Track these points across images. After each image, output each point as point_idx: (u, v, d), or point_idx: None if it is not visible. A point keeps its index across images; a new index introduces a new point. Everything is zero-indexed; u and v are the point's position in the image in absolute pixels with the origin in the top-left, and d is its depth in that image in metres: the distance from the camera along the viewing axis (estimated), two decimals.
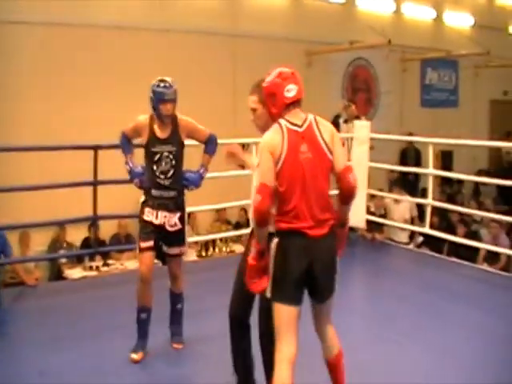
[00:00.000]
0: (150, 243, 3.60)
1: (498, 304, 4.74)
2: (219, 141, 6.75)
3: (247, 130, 7.24)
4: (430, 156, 6.19)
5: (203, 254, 7.38)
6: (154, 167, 3.59)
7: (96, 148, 5.19)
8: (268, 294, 2.64)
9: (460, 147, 10.93)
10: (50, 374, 3.42)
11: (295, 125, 2.63)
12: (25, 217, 5.87)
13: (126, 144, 3.77)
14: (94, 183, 5.25)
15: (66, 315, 4.41)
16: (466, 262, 6.12)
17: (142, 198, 3.68)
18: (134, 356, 3.57)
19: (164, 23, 8.22)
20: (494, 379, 3.43)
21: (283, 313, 2.61)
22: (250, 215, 2.81)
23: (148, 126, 3.60)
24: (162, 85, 3.53)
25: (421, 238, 7.58)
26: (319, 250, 2.61)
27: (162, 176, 3.60)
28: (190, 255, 7.20)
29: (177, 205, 3.66)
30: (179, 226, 3.66)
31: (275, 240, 2.62)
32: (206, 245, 7.44)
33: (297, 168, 2.59)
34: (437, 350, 3.81)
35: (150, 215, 3.61)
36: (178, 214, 3.66)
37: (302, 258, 2.59)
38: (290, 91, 2.64)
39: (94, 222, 5.73)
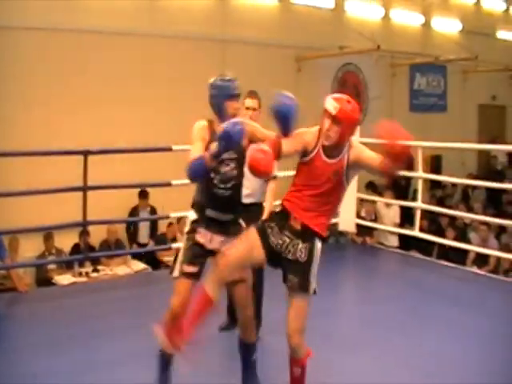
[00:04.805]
0: (195, 269, 2.94)
1: (487, 305, 4.78)
2: None
3: None
4: (419, 160, 6.29)
5: None
6: (212, 174, 2.91)
7: (86, 153, 5.18)
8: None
9: (449, 152, 10.99)
10: (43, 375, 3.45)
11: None
12: (14, 223, 5.83)
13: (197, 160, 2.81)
14: (84, 188, 5.23)
15: (58, 320, 4.43)
16: (455, 265, 6.17)
17: (193, 217, 3.03)
18: None
19: (153, 29, 8.21)
20: (484, 379, 3.45)
21: None
22: None
23: (209, 130, 2.97)
24: (226, 78, 2.99)
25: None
26: None
27: (222, 185, 2.97)
28: None
29: (237, 229, 3.01)
30: None
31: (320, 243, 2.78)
32: None
33: None
34: (426, 352, 3.82)
35: (202, 238, 2.97)
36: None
37: None
38: None
39: (83, 227, 5.71)
